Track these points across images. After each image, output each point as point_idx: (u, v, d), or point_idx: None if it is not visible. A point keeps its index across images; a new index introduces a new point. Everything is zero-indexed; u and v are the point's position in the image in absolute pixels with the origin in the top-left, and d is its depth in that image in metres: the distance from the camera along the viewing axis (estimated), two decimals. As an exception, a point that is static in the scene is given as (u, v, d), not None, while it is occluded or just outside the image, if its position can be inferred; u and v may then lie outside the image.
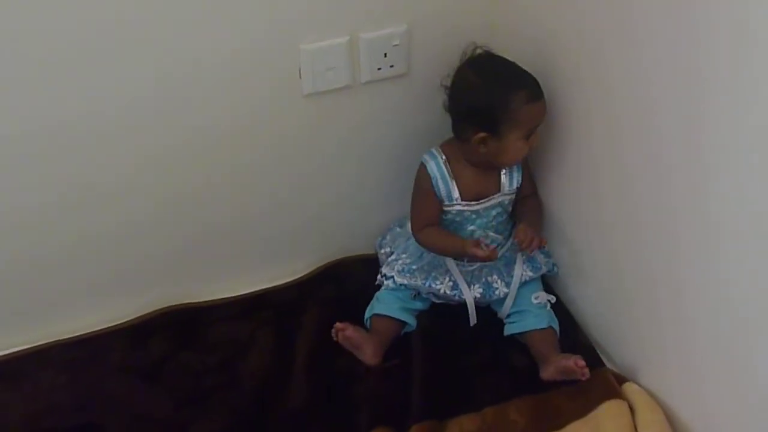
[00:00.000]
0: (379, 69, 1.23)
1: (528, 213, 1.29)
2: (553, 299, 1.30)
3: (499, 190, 1.26)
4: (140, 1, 1.04)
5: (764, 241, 0.87)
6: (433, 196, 1.25)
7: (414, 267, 1.29)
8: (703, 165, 0.93)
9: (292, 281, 1.41)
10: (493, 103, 1.14)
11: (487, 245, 1.19)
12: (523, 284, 1.29)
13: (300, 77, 1.19)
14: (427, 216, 1.27)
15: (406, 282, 1.28)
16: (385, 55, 1.22)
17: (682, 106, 0.94)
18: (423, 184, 1.25)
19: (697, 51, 0.89)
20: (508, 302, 1.28)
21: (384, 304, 1.29)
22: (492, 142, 1.17)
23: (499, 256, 1.30)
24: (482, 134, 1.16)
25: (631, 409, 1.13)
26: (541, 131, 1.21)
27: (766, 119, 0.82)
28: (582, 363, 1.16)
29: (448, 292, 1.28)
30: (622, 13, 1.01)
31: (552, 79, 1.18)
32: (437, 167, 1.24)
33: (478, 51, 1.21)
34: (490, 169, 1.24)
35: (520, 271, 1.29)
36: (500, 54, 1.21)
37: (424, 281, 1.28)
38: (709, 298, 0.99)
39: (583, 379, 1.16)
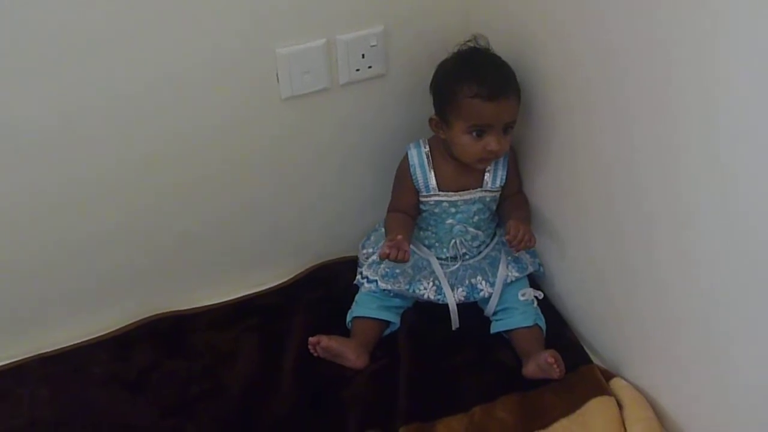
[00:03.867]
0: (358, 70, 1.23)
1: (516, 210, 1.28)
2: (541, 295, 1.29)
3: (480, 186, 1.26)
4: (115, 4, 1.02)
5: (743, 238, 0.87)
6: (410, 184, 1.27)
7: (397, 271, 1.28)
8: (679, 163, 0.93)
9: (276, 286, 1.40)
10: (444, 87, 1.19)
11: (402, 249, 1.15)
12: (509, 283, 1.29)
13: (278, 81, 1.18)
14: (398, 202, 1.29)
15: (390, 287, 1.27)
16: (363, 56, 1.21)
17: (656, 100, 0.94)
18: (402, 171, 1.28)
19: (667, 41, 0.89)
20: (493, 302, 1.27)
21: (362, 306, 1.28)
22: (444, 128, 1.20)
23: (483, 255, 1.30)
24: (435, 117, 1.21)
25: (619, 404, 1.13)
26: (524, 129, 1.20)
27: (738, 119, 0.82)
28: (552, 359, 1.14)
29: (431, 297, 1.27)
30: (598, 10, 1.00)
31: (530, 77, 1.18)
32: (418, 156, 1.26)
33: (470, 43, 1.21)
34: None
35: (505, 272, 1.28)
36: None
37: (407, 286, 1.27)
38: (692, 294, 0.99)
39: (555, 377, 1.15)
